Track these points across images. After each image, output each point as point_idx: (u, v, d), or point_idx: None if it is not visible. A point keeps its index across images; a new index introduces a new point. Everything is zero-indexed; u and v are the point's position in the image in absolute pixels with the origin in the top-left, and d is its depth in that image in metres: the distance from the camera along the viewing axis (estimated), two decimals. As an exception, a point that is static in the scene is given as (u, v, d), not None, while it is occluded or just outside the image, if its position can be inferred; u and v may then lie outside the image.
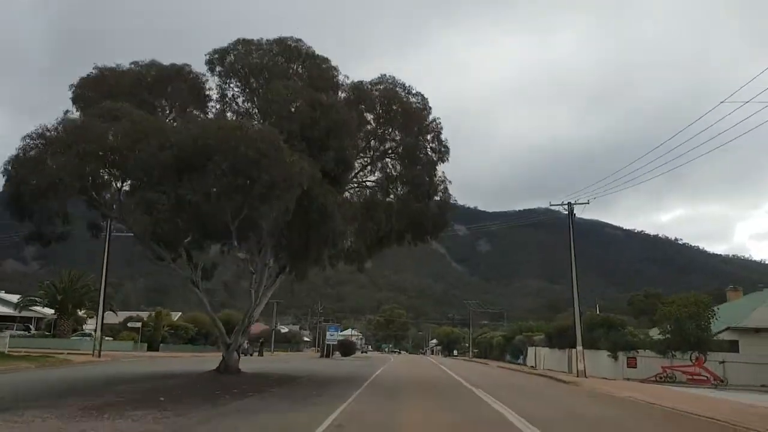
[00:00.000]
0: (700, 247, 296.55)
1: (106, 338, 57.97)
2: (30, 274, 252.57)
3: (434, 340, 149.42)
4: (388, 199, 23.12)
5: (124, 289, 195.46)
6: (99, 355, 39.74)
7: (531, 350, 54.51)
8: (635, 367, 34.71)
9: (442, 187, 23.19)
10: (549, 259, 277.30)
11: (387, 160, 23.05)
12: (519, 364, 58.52)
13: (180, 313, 77.31)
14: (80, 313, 59.01)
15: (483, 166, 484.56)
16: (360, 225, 20.81)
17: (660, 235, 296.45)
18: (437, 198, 23.37)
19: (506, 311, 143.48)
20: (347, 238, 18.87)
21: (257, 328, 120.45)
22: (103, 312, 41.16)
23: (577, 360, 33.51)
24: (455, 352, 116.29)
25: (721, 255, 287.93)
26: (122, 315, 66.35)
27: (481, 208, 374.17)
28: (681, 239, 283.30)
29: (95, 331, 42.19)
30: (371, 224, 21.24)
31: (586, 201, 35.20)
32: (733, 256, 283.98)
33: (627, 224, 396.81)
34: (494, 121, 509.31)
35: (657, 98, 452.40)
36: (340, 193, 17.87)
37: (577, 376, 33.08)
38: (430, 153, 22.37)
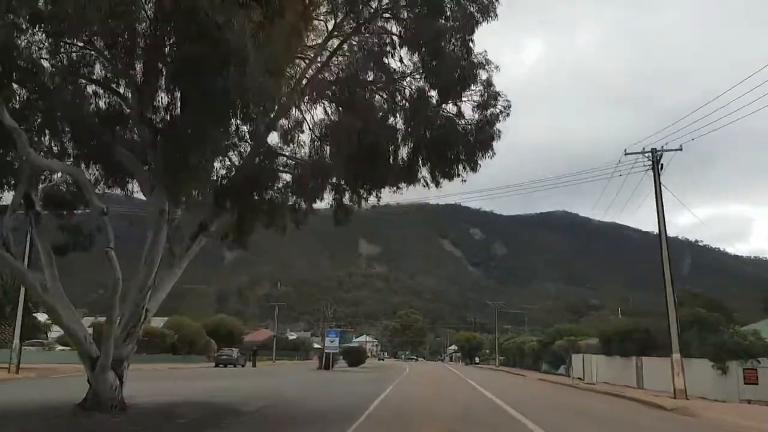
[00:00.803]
0: (721, 249, 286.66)
1: (61, 348, 48.52)
2: (43, 285, 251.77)
3: (453, 346, 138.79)
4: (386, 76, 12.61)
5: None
6: (17, 371, 30.08)
7: (577, 358, 43.96)
8: (756, 384, 24.00)
9: (485, 77, 12.77)
10: (566, 261, 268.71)
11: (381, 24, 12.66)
12: (560, 374, 48.14)
13: (166, 319, 67.30)
14: (42, 319, 49.50)
15: (500, 169, 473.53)
16: (334, 122, 10.76)
17: (679, 237, 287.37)
18: (475, 97, 12.99)
19: (526, 314, 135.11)
20: (276, 99, 8.71)
21: (262, 335, 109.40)
22: (23, 318, 31.44)
23: (674, 374, 22.90)
24: (477, 360, 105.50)
25: (742, 256, 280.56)
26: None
27: (497, 211, 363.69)
28: (701, 241, 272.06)
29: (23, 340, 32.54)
30: (352, 117, 11.17)
31: (678, 147, 24.65)
32: (755, 257, 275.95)
33: (644, 226, 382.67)
34: (513, 122, 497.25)
35: (684, 99, 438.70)
36: (265, 17, 7.86)
37: (674, 397, 22.61)
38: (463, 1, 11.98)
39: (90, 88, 11.17)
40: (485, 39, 12.71)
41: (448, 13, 11.62)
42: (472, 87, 12.61)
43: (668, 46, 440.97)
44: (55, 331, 54.14)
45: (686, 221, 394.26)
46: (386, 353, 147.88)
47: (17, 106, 9.80)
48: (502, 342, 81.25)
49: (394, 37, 12.28)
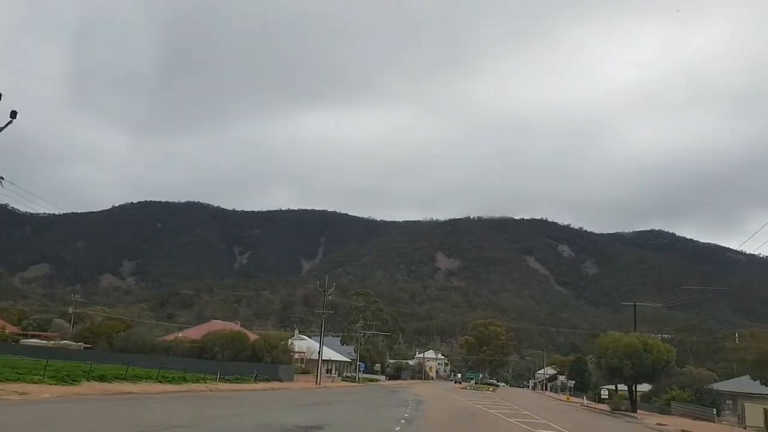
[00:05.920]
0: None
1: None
2: (125, 288, 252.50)
3: (545, 369, 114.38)
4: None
5: (202, 300, 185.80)
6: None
7: None
8: None
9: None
10: (664, 282, 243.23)
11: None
12: None
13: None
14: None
15: (600, 182, 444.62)
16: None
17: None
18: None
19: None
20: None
21: (212, 326, 72.17)
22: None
23: None
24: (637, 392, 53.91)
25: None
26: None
27: (588, 228, 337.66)
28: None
29: None
30: None
31: None
32: None
33: (752, 249, 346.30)
34: (619, 128, 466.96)
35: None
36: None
37: None
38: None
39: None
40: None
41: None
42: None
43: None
44: None
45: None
46: (459, 374, 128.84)
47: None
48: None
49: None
